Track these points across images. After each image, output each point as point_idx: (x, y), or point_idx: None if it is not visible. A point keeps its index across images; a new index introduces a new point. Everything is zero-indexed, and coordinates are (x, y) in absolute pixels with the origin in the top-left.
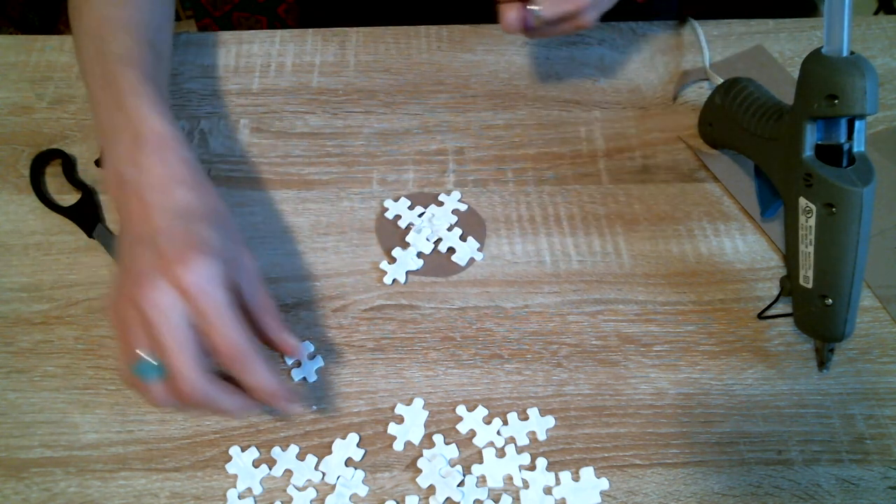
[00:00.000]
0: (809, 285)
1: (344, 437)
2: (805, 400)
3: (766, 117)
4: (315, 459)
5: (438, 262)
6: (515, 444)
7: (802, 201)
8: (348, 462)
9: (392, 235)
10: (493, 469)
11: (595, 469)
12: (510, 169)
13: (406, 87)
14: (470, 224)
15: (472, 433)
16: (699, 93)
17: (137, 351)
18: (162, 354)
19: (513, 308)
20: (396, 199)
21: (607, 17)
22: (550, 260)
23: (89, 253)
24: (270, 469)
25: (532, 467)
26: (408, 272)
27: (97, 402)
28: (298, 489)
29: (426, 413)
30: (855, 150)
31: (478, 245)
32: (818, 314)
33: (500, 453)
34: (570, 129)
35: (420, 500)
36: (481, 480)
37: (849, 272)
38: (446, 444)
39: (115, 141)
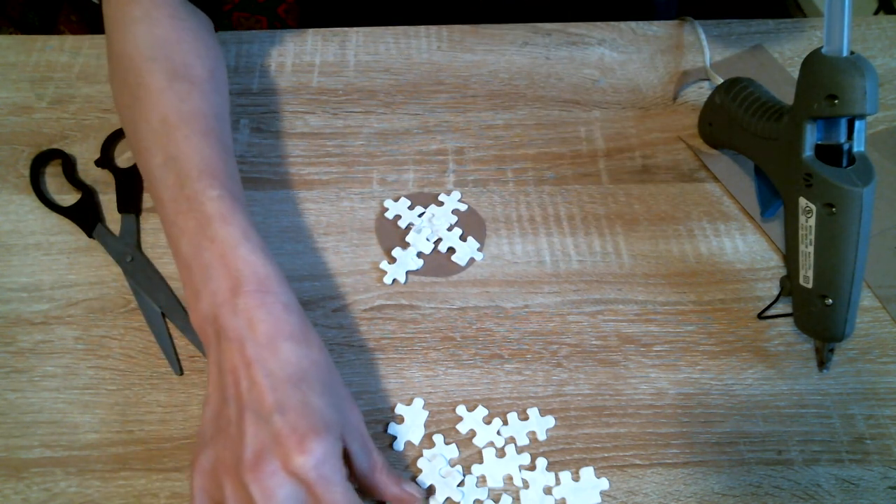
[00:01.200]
0: (809, 285)
1: None
2: (805, 400)
3: (766, 117)
4: None
5: (438, 262)
6: (515, 444)
7: (802, 201)
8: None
9: (392, 235)
10: (493, 469)
11: (595, 469)
12: (510, 169)
13: (406, 87)
14: (470, 224)
15: (472, 433)
16: (699, 93)
17: None
18: None
19: (513, 308)
20: (396, 199)
21: (607, 17)
22: (550, 260)
23: (89, 253)
24: None
25: (532, 467)
26: (408, 272)
27: (97, 402)
28: None
29: (426, 413)
30: (855, 149)
31: (478, 245)
32: (818, 314)
33: (500, 453)
34: (570, 129)
35: (420, 500)
36: (481, 480)
37: (849, 272)
38: (446, 444)
39: (208, 280)
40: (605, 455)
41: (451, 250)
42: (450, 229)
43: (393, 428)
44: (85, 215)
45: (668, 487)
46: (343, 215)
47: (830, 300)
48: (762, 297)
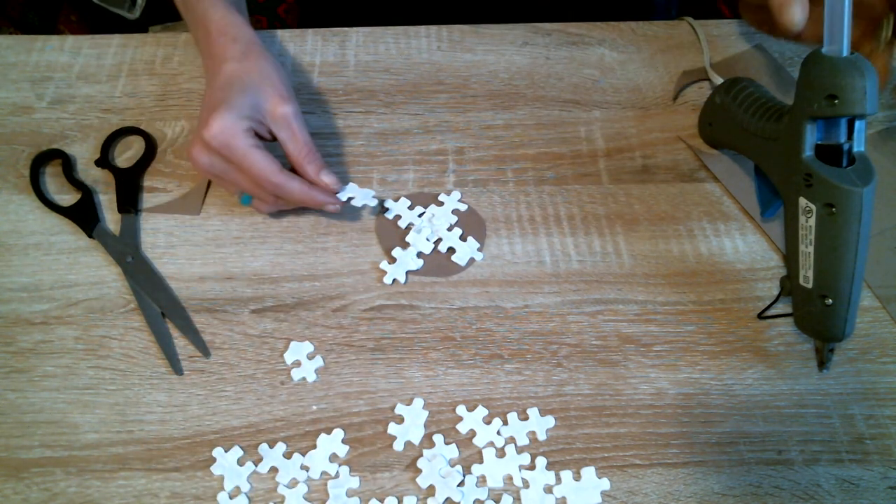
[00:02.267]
0: (809, 285)
1: (329, 433)
2: (805, 400)
3: (766, 117)
4: (302, 458)
5: (438, 262)
6: (515, 444)
7: (802, 201)
8: (332, 458)
9: (392, 235)
10: (493, 469)
11: (595, 469)
12: (510, 169)
13: (406, 87)
14: (470, 224)
15: (472, 433)
16: (699, 93)
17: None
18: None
19: (513, 308)
20: (396, 199)
21: (607, 17)
22: (550, 260)
23: (89, 253)
24: (256, 466)
25: (532, 467)
26: (408, 272)
27: (97, 402)
28: (287, 487)
29: (426, 413)
30: (855, 149)
31: (478, 245)
32: (818, 314)
33: (500, 453)
34: (570, 129)
35: (420, 500)
36: (481, 480)
37: (849, 272)
38: (446, 444)
39: (198, 41)
40: (605, 455)
41: (451, 250)
42: (450, 229)
43: (393, 428)
44: (85, 215)
45: (668, 487)
46: (343, 215)
47: (830, 300)
48: (762, 297)
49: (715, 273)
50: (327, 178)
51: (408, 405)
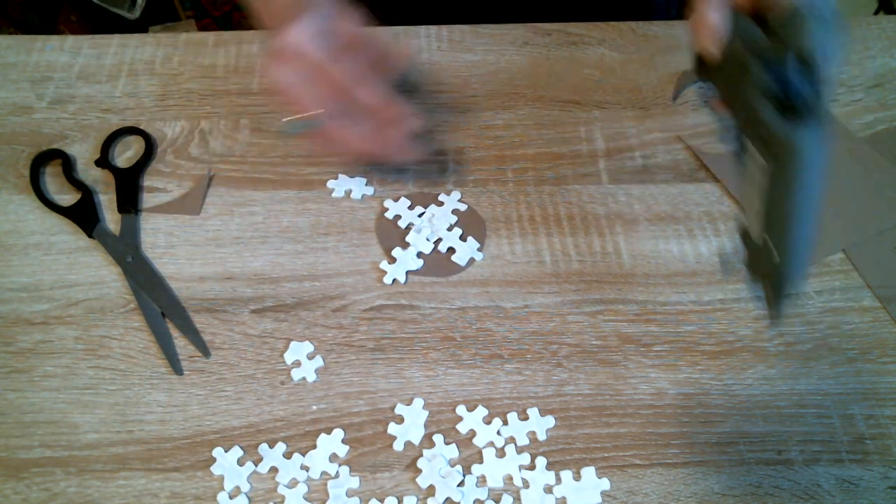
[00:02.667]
0: (759, 238)
1: (329, 433)
2: (805, 400)
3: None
4: (302, 458)
5: (438, 262)
6: (515, 444)
7: (755, 154)
8: (332, 458)
9: (392, 235)
10: (493, 469)
11: (595, 469)
12: (510, 169)
13: (406, 87)
14: (470, 224)
15: (472, 433)
16: (699, 93)
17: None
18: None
19: (513, 308)
20: (396, 200)
21: (607, 17)
22: (550, 260)
23: (89, 253)
24: (256, 466)
25: (532, 467)
26: (408, 272)
27: (97, 402)
28: (287, 487)
29: (426, 413)
30: (810, 100)
31: (478, 245)
32: (769, 267)
33: (500, 453)
34: (570, 129)
35: (420, 500)
36: (481, 480)
37: (797, 221)
38: (446, 444)
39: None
40: (605, 455)
41: (451, 250)
42: (450, 229)
43: (393, 428)
44: (85, 215)
45: (668, 487)
46: (343, 215)
47: (777, 255)
48: (762, 297)
49: (715, 273)
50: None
51: (408, 405)
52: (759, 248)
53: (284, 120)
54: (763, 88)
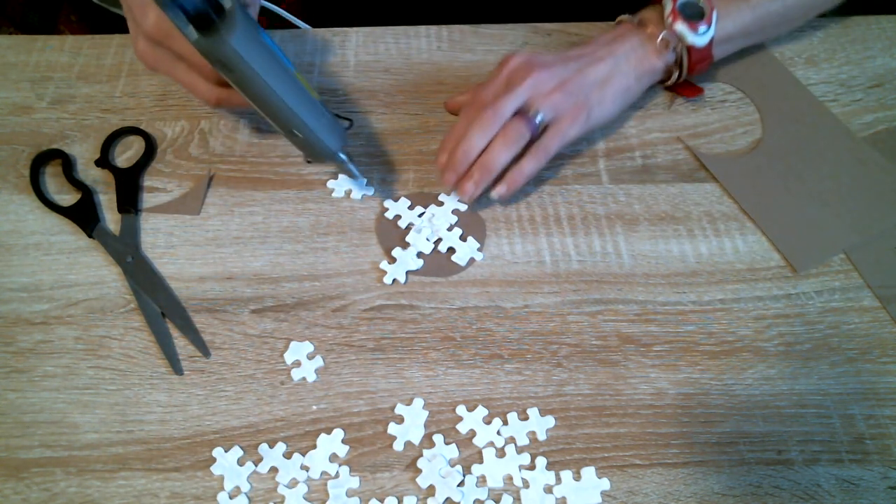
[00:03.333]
0: (278, 130)
1: (329, 433)
2: (805, 400)
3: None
4: (302, 458)
5: (438, 262)
6: (515, 444)
7: (225, 72)
8: (332, 458)
9: (392, 235)
10: (493, 469)
11: (595, 469)
12: None
13: (406, 87)
14: (470, 224)
15: (472, 433)
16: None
17: None
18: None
19: (513, 308)
20: (396, 200)
21: (607, 17)
22: (550, 260)
23: (89, 253)
24: (256, 466)
25: (532, 467)
26: (408, 272)
27: (97, 402)
28: (287, 487)
29: (426, 413)
30: (199, 8)
31: (478, 245)
32: (302, 143)
33: (500, 453)
34: None
35: (420, 500)
36: (481, 480)
37: (286, 106)
38: (446, 444)
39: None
40: (605, 455)
41: (451, 250)
42: (450, 229)
43: (393, 428)
44: (85, 215)
45: (668, 487)
46: (343, 215)
47: (298, 133)
48: (762, 297)
49: (715, 273)
50: None
51: (408, 405)
52: (286, 136)
53: None
54: (178, 22)
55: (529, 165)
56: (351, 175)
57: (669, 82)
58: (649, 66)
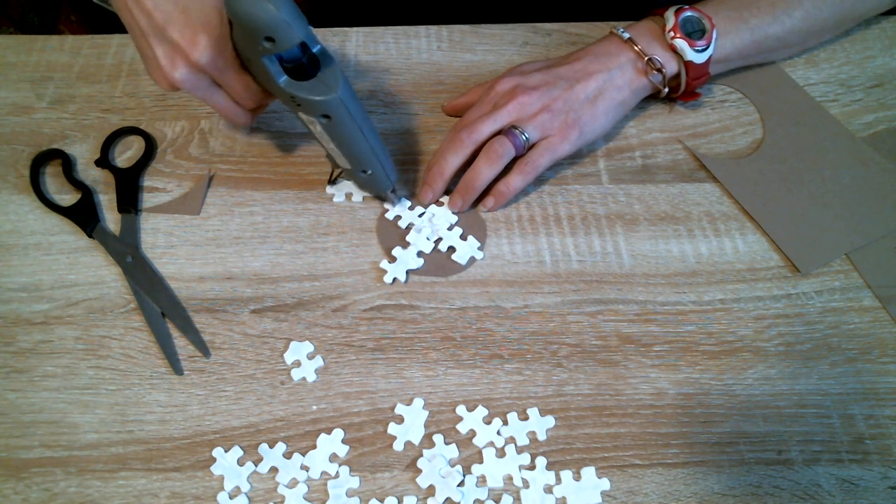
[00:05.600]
0: (350, 167)
1: (329, 433)
2: (805, 400)
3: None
4: (302, 458)
5: (439, 262)
6: (515, 444)
7: (304, 117)
8: (332, 458)
9: (392, 235)
10: (493, 469)
11: (595, 469)
12: None
13: (406, 87)
14: (470, 223)
15: (472, 433)
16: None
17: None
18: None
19: (513, 308)
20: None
21: (607, 17)
22: (550, 260)
23: (89, 253)
24: (256, 466)
25: (532, 467)
26: (408, 271)
27: (97, 402)
28: (287, 487)
29: (426, 413)
30: (314, 50)
31: (478, 244)
32: (367, 180)
33: (500, 453)
34: None
35: (420, 500)
36: (481, 480)
37: (368, 149)
38: (446, 444)
39: None
40: (605, 455)
41: (452, 249)
42: (450, 229)
43: (393, 428)
44: (85, 215)
45: (668, 487)
46: (343, 215)
47: (369, 171)
48: (762, 297)
49: (715, 273)
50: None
51: (408, 405)
52: (353, 174)
53: None
54: (281, 70)
55: (516, 180)
56: (394, 203)
57: (661, 96)
58: (641, 82)
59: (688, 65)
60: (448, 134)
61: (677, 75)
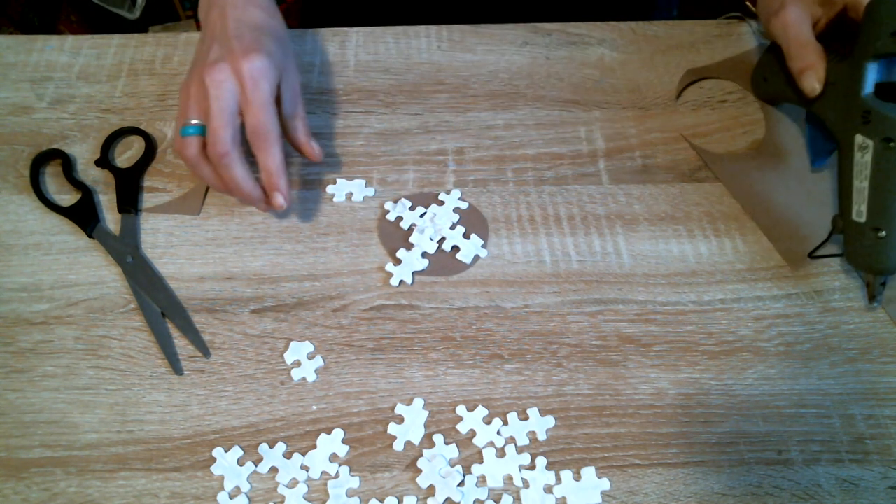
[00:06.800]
0: (863, 219)
1: (329, 433)
2: (805, 400)
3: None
4: (302, 458)
5: (443, 262)
6: (515, 444)
7: (859, 138)
8: (332, 458)
9: (395, 237)
10: (493, 469)
11: (595, 469)
12: (510, 169)
13: (406, 87)
14: (472, 222)
15: (472, 433)
16: (699, 93)
17: (190, 119)
18: (206, 117)
19: (513, 308)
20: (396, 201)
21: (607, 17)
22: (550, 260)
23: (89, 253)
24: (256, 466)
25: (532, 467)
26: (414, 273)
27: (97, 402)
28: (287, 487)
29: (426, 413)
30: None
31: (481, 242)
32: (871, 246)
33: (500, 453)
34: (570, 129)
35: (420, 500)
36: (481, 480)
37: None
38: (446, 444)
39: None
40: (605, 455)
41: (455, 248)
42: (452, 227)
43: (393, 428)
44: (85, 215)
45: (668, 487)
46: (343, 215)
47: (884, 232)
48: (762, 297)
49: (715, 273)
50: (315, 146)
51: (408, 405)
52: (859, 231)
53: None
54: (873, 83)
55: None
56: (876, 298)
57: None
58: None
59: None
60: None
61: None
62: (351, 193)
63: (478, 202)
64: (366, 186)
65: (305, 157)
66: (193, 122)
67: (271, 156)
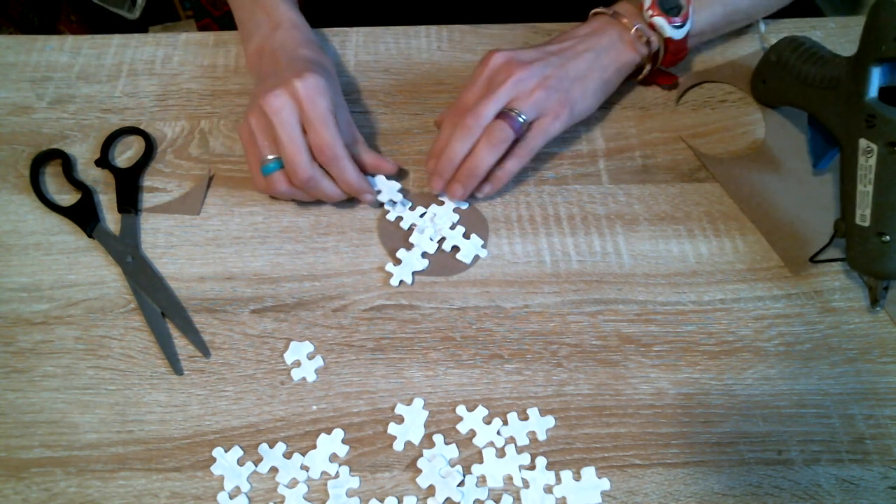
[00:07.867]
0: (866, 224)
1: (329, 433)
2: (805, 400)
3: (828, 66)
4: (302, 458)
5: (443, 262)
6: (515, 444)
7: (863, 142)
8: (332, 458)
9: (395, 237)
10: (493, 469)
11: (595, 469)
12: None
13: (406, 87)
14: (472, 221)
15: (472, 433)
16: (699, 93)
17: (266, 156)
18: (279, 148)
19: (513, 308)
20: (395, 201)
21: None
22: (550, 260)
23: (89, 253)
24: (256, 466)
25: (532, 467)
26: (414, 273)
27: (97, 402)
28: (287, 487)
29: (426, 413)
30: None
31: (482, 242)
32: (874, 251)
33: (500, 453)
34: (570, 129)
35: (420, 500)
36: (481, 480)
37: None
38: (446, 444)
39: (256, 28)
40: (605, 455)
41: (455, 248)
42: (452, 227)
43: (393, 428)
44: (85, 215)
45: (668, 487)
46: (343, 215)
47: (888, 237)
48: (762, 297)
49: (715, 273)
50: (388, 160)
51: (408, 405)
52: (862, 236)
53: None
54: (877, 87)
55: (513, 165)
56: (879, 303)
57: (641, 76)
58: (627, 58)
59: (667, 41)
60: (447, 119)
61: (657, 52)
62: (379, 192)
63: (478, 202)
64: (397, 192)
65: (382, 173)
66: (269, 157)
67: (343, 170)
